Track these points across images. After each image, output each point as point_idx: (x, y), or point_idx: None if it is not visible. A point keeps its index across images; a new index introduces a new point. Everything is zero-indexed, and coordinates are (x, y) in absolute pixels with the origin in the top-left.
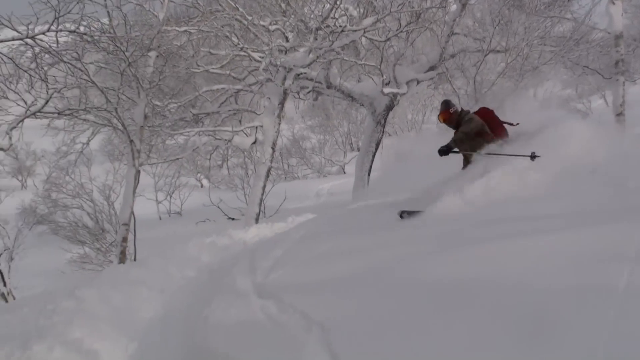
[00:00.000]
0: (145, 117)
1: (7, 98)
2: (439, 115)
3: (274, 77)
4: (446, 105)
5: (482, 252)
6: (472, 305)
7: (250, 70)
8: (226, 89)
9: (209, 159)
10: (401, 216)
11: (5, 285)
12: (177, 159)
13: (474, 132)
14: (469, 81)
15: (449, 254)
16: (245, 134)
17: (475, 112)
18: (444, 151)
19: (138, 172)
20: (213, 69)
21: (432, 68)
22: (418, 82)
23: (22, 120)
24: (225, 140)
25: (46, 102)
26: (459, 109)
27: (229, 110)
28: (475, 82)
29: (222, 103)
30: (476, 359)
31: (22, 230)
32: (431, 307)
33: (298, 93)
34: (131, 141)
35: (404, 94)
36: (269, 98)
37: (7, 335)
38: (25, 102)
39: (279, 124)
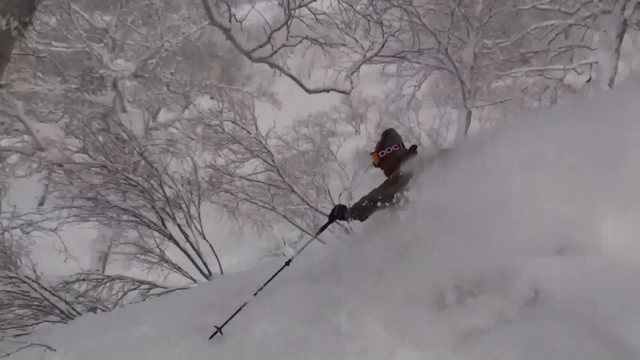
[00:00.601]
0: (475, 57)
1: (345, 45)
2: (371, 154)
3: (612, 7)
4: (381, 142)
5: None
6: None
7: (583, 3)
8: (556, 25)
9: (539, 100)
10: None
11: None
12: (505, 100)
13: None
14: None
15: None
16: (577, 72)
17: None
18: (341, 216)
19: (469, 113)
20: (541, 4)
21: None
22: None
23: (360, 65)
24: (556, 79)
25: (382, 45)
26: (404, 149)
27: (559, 48)
28: None
29: (552, 40)
30: None
31: (358, 172)
32: None
33: (638, 24)
34: (462, 82)
35: None
36: (605, 31)
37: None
38: (363, 48)
39: (617, 59)
